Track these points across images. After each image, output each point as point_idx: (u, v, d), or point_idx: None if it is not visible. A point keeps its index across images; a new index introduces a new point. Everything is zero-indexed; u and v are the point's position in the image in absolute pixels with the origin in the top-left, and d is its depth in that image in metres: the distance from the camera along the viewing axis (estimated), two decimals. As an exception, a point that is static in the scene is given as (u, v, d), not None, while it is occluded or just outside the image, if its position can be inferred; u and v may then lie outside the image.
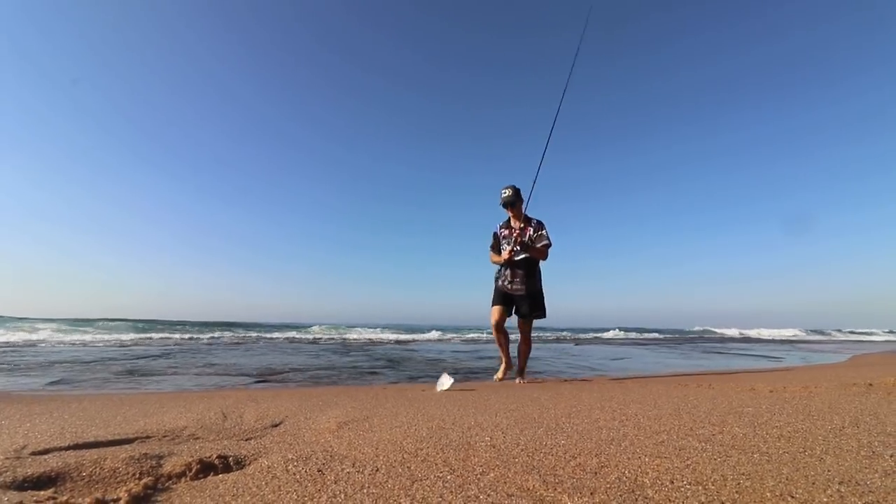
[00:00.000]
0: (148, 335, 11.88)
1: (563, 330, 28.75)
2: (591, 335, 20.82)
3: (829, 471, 0.84)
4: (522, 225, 3.72)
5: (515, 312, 3.69)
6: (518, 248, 3.66)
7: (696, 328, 35.50)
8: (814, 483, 0.78)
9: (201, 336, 12.16)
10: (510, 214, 3.78)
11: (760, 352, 9.30)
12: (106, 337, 10.37)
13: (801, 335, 26.70)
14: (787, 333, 27.82)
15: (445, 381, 2.70)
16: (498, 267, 3.82)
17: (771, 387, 2.24)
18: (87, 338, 9.97)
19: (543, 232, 3.73)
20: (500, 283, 3.75)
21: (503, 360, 3.73)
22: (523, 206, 3.73)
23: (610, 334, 22.11)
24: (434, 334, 16.78)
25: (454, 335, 16.46)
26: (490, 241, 3.94)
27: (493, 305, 3.74)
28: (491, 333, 3.91)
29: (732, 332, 30.03)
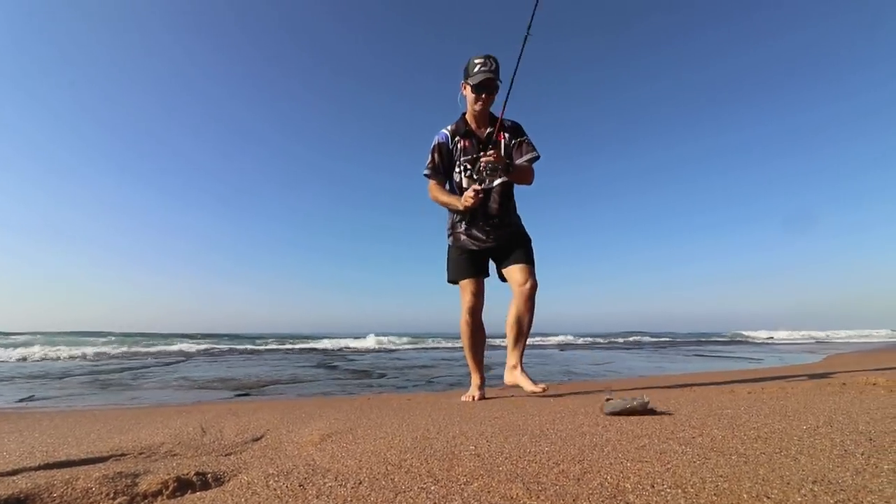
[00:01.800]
0: (122, 348, 11.55)
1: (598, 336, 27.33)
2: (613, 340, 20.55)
3: (803, 470, 0.86)
4: (492, 129, 2.38)
5: (502, 265, 2.48)
6: (493, 177, 2.33)
7: (727, 332, 34.03)
8: (789, 483, 0.79)
9: (178, 347, 11.87)
10: (474, 110, 2.37)
11: (741, 354, 9.49)
12: (77, 350, 10.05)
13: (820, 335, 26.24)
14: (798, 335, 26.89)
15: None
16: (450, 214, 2.52)
17: (749, 388, 2.29)
18: (58, 352, 9.66)
19: (527, 139, 2.42)
20: (462, 236, 2.48)
21: (475, 372, 2.52)
22: (502, 109, 2.31)
23: (633, 339, 21.56)
24: (421, 341, 16.69)
25: (445, 342, 16.38)
26: (427, 158, 2.46)
27: (460, 279, 2.48)
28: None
29: (760, 333, 29.10)
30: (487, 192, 2.40)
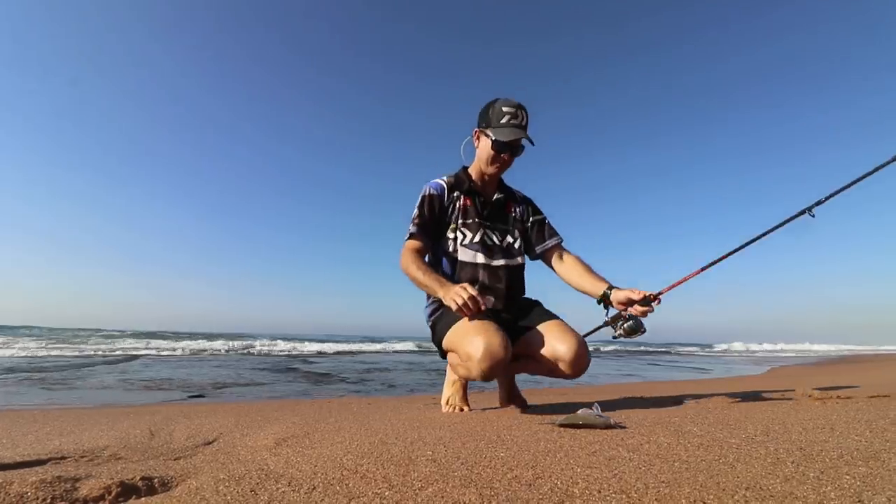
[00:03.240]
0: (63, 344, 10.90)
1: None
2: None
3: (738, 477, 0.92)
4: (501, 195, 1.99)
5: (515, 335, 1.85)
6: (633, 336, 1.93)
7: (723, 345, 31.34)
8: (724, 489, 0.85)
9: (127, 346, 11.29)
10: (486, 171, 1.92)
11: (694, 364, 9.90)
12: (10, 349, 9.41)
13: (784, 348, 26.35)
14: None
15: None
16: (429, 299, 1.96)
17: (696, 399, 2.40)
18: (-5, 347, 9.03)
19: (545, 219, 2.08)
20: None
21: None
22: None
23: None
24: (392, 344, 16.52)
25: (418, 343, 16.22)
26: (414, 213, 1.90)
27: (469, 330, 1.68)
28: None
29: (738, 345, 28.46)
30: (493, 269, 1.92)
